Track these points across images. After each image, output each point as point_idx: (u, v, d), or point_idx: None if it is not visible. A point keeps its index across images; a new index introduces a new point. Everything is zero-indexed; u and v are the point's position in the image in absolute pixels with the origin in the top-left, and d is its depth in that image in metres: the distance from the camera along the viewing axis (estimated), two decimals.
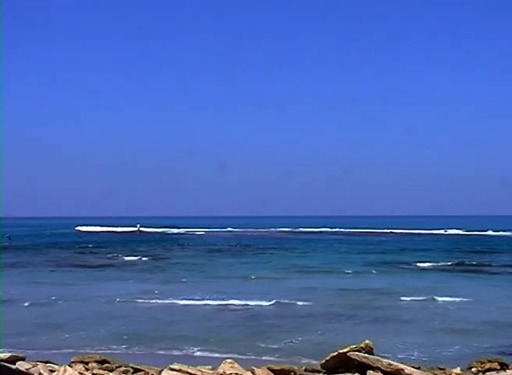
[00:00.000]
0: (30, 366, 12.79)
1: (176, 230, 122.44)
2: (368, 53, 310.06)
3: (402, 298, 28.49)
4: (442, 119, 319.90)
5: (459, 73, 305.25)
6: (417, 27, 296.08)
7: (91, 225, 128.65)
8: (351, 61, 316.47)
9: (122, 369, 13.74)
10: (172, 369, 12.64)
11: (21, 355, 13.28)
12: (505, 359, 14.49)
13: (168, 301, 27.66)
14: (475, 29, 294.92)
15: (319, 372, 13.32)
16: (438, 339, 19.99)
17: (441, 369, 14.08)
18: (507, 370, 13.75)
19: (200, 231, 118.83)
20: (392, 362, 12.50)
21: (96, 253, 60.38)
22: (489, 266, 45.21)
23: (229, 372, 12.62)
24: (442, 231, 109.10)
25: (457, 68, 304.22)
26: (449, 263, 47.09)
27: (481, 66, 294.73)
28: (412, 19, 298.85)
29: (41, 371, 12.65)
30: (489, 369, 13.87)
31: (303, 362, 14.51)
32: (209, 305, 27.15)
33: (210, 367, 13.29)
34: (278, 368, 13.14)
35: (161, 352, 18.01)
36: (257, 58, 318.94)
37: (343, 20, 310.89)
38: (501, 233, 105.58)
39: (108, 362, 14.33)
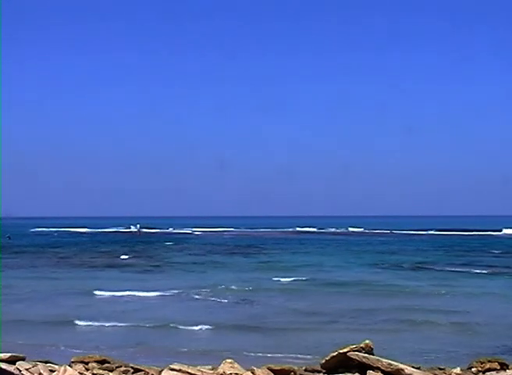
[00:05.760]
0: (30, 366, 12.78)
1: (175, 230, 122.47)
2: (368, 52, 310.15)
3: (401, 299, 28.51)
4: (442, 118, 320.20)
5: (458, 72, 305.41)
6: (418, 24, 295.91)
7: (90, 227, 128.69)
8: (351, 60, 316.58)
9: (122, 369, 13.73)
10: (172, 369, 12.64)
11: (21, 355, 13.27)
12: (505, 359, 14.48)
13: (166, 309, 27.67)
14: (476, 27, 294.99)
15: (319, 372, 13.31)
16: (438, 339, 20.00)
17: (441, 369, 14.06)
18: (507, 370, 13.73)
19: (200, 231, 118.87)
20: (392, 362, 12.49)
21: (95, 253, 60.34)
22: (490, 265, 45.17)
23: (229, 372, 12.62)
24: (442, 232, 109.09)
25: (457, 67, 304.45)
26: (450, 263, 47.09)
27: (480, 65, 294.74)
28: (412, 18, 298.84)
29: (41, 371, 12.64)
30: (489, 369, 13.84)
31: (303, 362, 14.50)
32: (208, 305, 27.16)
33: (210, 367, 13.28)
34: (278, 368, 13.14)
35: (161, 352, 18.00)
36: (257, 58, 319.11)
37: (343, 20, 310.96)
38: (500, 233, 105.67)
39: (108, 362, 14.31)
